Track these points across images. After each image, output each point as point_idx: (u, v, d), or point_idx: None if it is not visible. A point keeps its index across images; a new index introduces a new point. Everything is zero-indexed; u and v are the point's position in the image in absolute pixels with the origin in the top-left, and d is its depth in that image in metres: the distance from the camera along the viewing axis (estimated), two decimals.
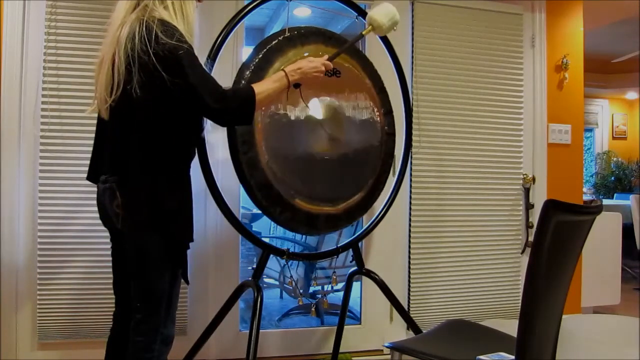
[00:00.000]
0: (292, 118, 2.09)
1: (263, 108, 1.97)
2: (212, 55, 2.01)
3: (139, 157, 1.57)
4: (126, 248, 1.65)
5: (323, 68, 1.85)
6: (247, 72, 2.00)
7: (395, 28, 2.02)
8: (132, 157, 1.57)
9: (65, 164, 2.32)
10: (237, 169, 2.00)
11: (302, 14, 3.69)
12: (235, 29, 2.09)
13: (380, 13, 1.99)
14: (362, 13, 2.38)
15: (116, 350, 1.76)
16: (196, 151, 1.79)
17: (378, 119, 2.30)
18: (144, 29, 1.51)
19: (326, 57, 1.92)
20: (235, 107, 1.65)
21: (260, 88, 1.69)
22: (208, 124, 1.78)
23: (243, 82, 1.99)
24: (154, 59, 1.49)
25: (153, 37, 1.50)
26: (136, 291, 1.64)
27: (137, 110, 1.55)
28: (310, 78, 1.84)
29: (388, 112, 2.35)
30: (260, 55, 2.02)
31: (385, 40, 2.41)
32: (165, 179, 1.60)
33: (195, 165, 2.16)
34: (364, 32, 2.02)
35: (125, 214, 1.59)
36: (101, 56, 1.63)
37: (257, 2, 2.11)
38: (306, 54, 2.12)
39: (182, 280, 1.71)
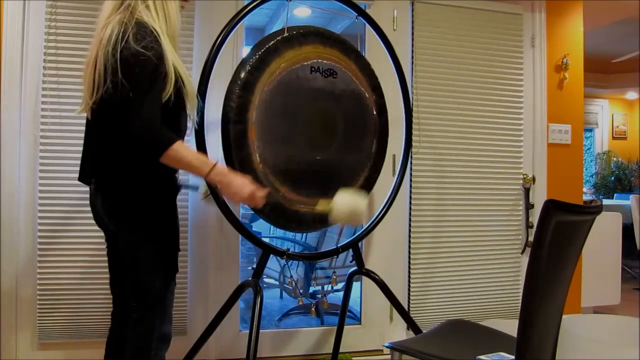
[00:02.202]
0: (287, 118, 2.09)
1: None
2: (212, 55, 2.01)
3: (120, 159, 1.58)
4: (119, 248, 1.67)
5: (244, 197, 1.64)
6: (243, 73, 2.00)
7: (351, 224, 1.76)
8: (114, 159, 1.59)
9: (65, 164, 2.32)
10: (229, 168, 2.00)
11: (302, 14, 3.69)
12: (235, 29, 2.09)
13: (342, 202, 1.74)
14: (362, 13, 2.39)
15: (115, 349, 1.77)
16: None
17: (372, 119, 2.30)
18: (121, 31, 1.52)
19: (266, 192, 1.72)
20: (147, 140, 1.52)
21: (181, 149, 1.54)
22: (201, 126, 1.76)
23: (239, 82, 1.99)
24: (118, 59, 1.50)
25: (125, 39, 1.51)
26: (131, 291, 1.65)
27: (114, 111, 1.55)
28: (226, 194, 1.67)
29: (382, 113, 2.35)
30: (257, 56, 2.02)
31: (385, 40, 2.41)
32: (150, 181, 1.61)
33: None
34: (317, 207, 1.79)
35: (115, 215, 1.62)
36: (89, 56, 1.64)
37: (257, 2, 2.11)
38: (304, 55, 2.12)
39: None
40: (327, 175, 2.18)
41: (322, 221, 2.22)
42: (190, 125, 1.75)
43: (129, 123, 1.49)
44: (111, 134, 1.58)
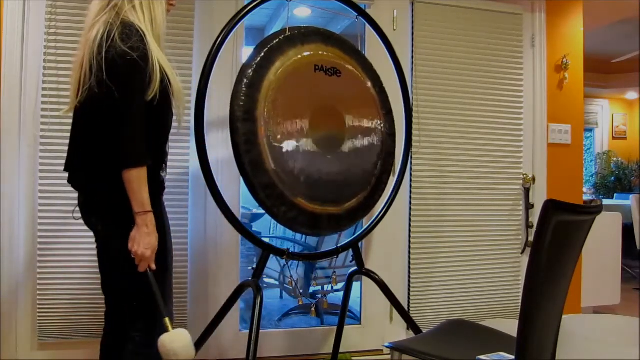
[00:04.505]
0: (295, 118, 2.09)
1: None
2: (212, 55, 2.01)
3: (105, 158, 1.57)
4: (109, 248, 1.67)
5: (139, 252, 1.56)
6: (249, 71, 2.00)
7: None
8: (100, 159, 1.59)
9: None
10: (240, 168, 1.99)
11: (302, 14, 3.69)
12: (235, 29, 2.09)
13: (183, 339, 1.59)
14: (362, 13, 2.39)
15: (112, 349, 1.76)
16: (167, 152, 1.75)
17: (379, 119, 2.30)
18: (107, 31, 1.53)
19: (152, 269, 1.60)
20: (128, 148, 1.53)
21: (142, 176, 1.53)
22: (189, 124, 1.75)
23: (246, 80, 1.99)
24: (104, 59, 1.51)
25: (110, 39, 1.51)
26: (125, 290, 1.65)
27: (98, 111, 1.55)
28: (135, 238, 1.57)
29: (388, 113, 2.36)
30: (262, 55, 2.03)
31: (385, 40, 2.41)
32: None
33: (195, 165, 2.17)
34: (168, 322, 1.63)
35: (103, 215, 1.63)
36: (76, 57, 1.65)
37: (257, 2, 2.11)
38: (306, 53, 2.12)
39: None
40: (337, 174, 2.17)
41: (337, 223, 2.22)
42: (176, 124, 1.75)
43: (117, 126, 1.50)
44: (95, 134, 1.58)
